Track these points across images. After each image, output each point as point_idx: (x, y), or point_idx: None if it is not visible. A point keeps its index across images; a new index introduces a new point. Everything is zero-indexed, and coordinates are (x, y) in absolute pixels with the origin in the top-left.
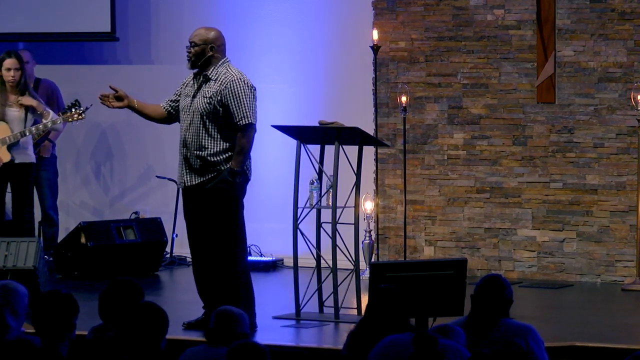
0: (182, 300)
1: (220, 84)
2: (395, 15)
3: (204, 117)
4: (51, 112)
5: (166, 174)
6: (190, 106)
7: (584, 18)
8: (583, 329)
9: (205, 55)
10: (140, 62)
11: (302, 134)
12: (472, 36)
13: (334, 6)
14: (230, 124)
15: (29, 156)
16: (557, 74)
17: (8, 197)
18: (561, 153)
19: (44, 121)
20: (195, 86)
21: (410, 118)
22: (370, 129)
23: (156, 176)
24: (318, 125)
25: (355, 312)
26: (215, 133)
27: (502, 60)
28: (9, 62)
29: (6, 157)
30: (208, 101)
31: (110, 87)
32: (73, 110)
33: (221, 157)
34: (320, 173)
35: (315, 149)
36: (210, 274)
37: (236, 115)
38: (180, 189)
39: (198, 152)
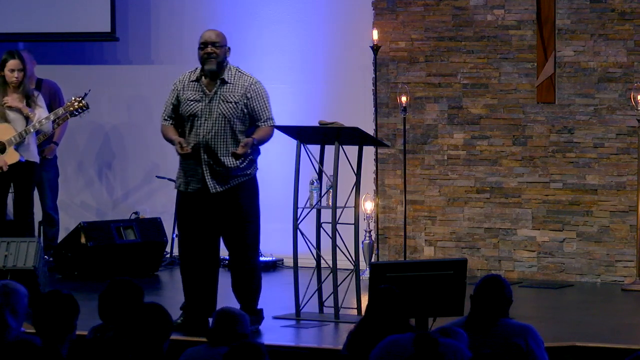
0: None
1: (242, 87)
2: (395, 15)
3: (231, 121)
4: (36, 113)
5: (166, 175)
6: (209, 111)
7: (584, 18)
8: (583, 329)
9: (226, 57)
10: (140, 62)
11: (302, 134)
12: (472, 36)
13: (334, 6)
14: (249, 128)
15: (33, 155)
16: (557, 74)
17: (9, 197)
18: (561, 153)
19: (33, 121)
20: (207, 90)
21: (410, 118)
22: (370, 129)
23: (156, 176)
24: (318, 125)
25: (355, 312)
26: (241, 137)
27: (502, 60)
28: (13, 64)
29: (13, 158)
30: (234, 106)
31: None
32: (73, 98)
33: (246, 161)
34: (320, 173)
35: (315, 149)
36: (231, 273)
37: (262, 116)
38: (190, 194)
39: (224, 158)
